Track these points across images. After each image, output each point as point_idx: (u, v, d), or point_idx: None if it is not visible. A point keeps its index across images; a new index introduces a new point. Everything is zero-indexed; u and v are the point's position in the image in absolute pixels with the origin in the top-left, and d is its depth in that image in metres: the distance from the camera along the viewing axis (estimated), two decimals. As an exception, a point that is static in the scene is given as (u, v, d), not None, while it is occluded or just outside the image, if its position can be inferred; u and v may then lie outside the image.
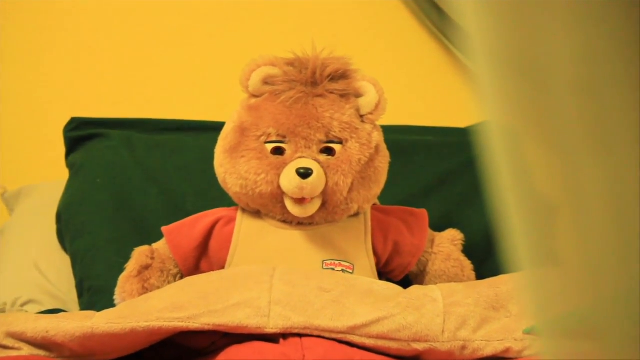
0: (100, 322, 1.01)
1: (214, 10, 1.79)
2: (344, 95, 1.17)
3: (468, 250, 1.28)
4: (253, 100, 1.18)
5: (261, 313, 1.00)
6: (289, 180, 1.11)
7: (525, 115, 0.46)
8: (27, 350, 1.00)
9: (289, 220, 1.18)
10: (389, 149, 1.23)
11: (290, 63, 1.17)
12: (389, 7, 1.77)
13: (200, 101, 1.77)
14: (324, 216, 1.17)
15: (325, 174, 1.13)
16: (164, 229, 1.25)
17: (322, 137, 1.14)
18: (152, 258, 1.22)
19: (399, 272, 1.25)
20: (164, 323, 0.99)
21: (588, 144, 0.44)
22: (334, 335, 0.99)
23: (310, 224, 1.18)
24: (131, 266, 1.21)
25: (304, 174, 1.10)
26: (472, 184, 1.41)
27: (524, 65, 0.45)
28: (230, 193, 1.21)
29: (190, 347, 1.03)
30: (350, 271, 1.16)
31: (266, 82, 1.16)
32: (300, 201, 1.13)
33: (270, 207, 1.17)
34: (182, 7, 1.78)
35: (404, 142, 1.52)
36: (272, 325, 0.99)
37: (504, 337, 1.01)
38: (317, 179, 1.10)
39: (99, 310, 1.08)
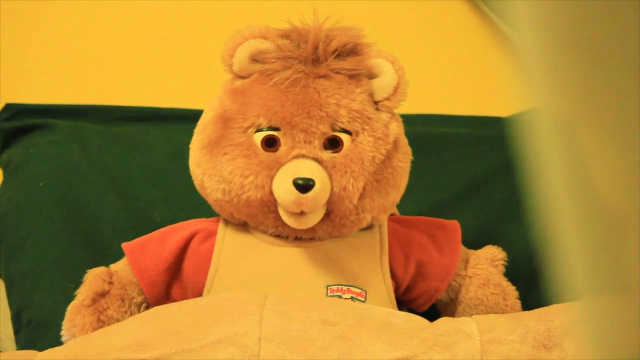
0: (44, 364, 1.01)
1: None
2: (354, 76, 1.17)
3: (512, 273, 1.28)
4: (239, 83, 1.18)
5: (249, 352, 1.00)
6: (284, 191, 1.11)
7: (583, 100, 0.46)
8: (-50, 400, 1.01)
9: (284, 235, 1.18)
10: (411, 144, 1.23)
11: (286, 35, 1.17)
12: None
13: (170, 83, 1.77)
14: (328, 229, 1.17)
15: (330, 175, 1.13)
16: (124, 246, 1.25)
17: (326, 129, 1.14)
18: (110, 283, 1.22)
19: (423, 300, 1.25)
20: (124, 365, 0.99)
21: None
22: (341, 381, 1.00)
23: (311, 239, 1.18)
24: (83, 293, 1.21)
25: (304, 186, 1.09)
26: (517, 189, 1.41)
27: (582, 37, 0.45)
28: (210, 200, 1.21)
29: (159, 396, 1.04)
30: (362, 299, 1.16)
31: (255, 59, 1.17)
32: (297, 213, 1.13)
33: (260, 217, 1.17)
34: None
35: (430, 135, 1.52)
36: (263, 368, 0.99)
37: (558, 383, 1.01)
38: (319, 192, 1.10)
39: (41, 349, 1.08)
